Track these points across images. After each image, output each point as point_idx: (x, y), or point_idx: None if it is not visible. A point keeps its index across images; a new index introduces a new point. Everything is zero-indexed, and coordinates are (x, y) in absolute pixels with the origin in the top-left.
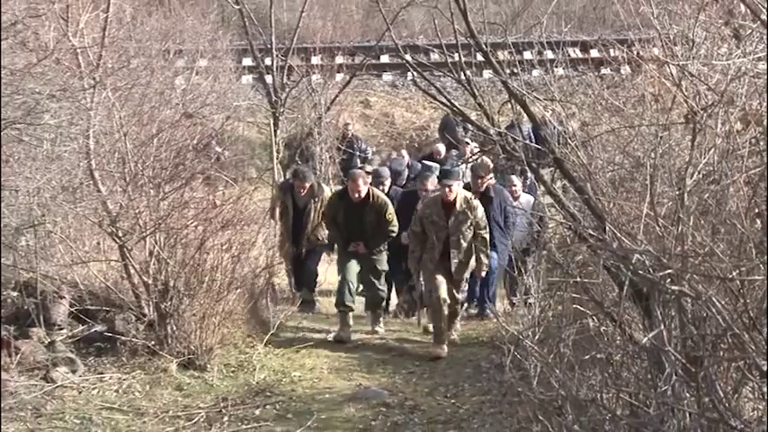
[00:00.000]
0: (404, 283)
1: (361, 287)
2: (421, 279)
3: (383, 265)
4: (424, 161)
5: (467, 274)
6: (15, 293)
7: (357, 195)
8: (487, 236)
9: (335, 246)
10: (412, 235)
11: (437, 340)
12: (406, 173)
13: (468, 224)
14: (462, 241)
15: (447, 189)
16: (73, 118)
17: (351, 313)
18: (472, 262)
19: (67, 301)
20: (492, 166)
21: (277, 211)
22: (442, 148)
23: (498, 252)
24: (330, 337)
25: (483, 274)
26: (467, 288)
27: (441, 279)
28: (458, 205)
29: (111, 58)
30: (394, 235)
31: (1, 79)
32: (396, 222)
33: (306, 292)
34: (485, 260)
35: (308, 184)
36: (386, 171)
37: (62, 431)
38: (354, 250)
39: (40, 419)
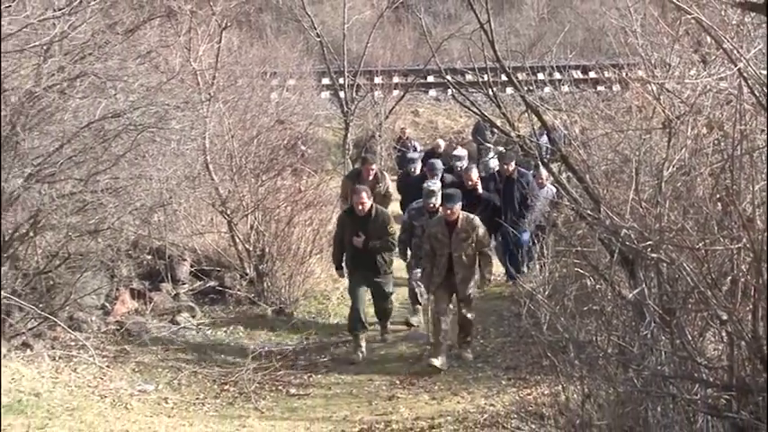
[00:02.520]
0: None
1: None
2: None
3: (389, 287)
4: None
5: (471, 290)
6: (149, 257)
7: (361, 208)
8: (491, 254)
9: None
10: (423, 254)
11: (433, 353)
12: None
13: (470, 242)
14: (464, 258)
15: (449, 211)
16: (193, 124)
17: (363, 336)
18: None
19: (189, 263)
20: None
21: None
22: (441, 143)
23: (520, 228)
24: (352, 357)
25: (486, 287)
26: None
27: (443, 297)
28: (459, 224)
29: (223, 78)
30: (393, 245)
31: (1, 82)
32: (396, 234)
33: None
34: (488, 276)
35: (374, 167)
36: (439, 163)
37: (184, 362)
38: (357, 244)
39: (167, 352)
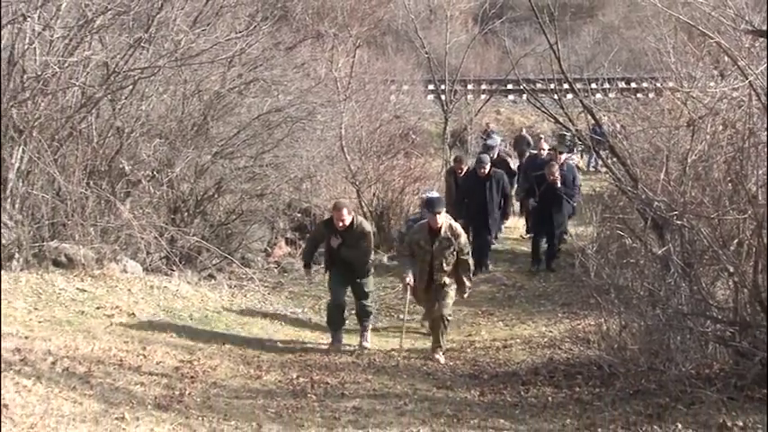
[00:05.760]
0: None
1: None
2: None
3: (370, 287)
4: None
5: (450, 295)
6: (299, 214)
7: (341, 224)
8: (471, 261)
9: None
10: (402, 257)
11: (435, 348)
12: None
13: (452, 250)
14: (445, 265)
15: (435, 216)
16: (333, 117)
17: (340, 331)
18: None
19: None
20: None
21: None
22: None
23: (565, 206)
24: (330, 348)
25: (465, 296)
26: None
27: (428, 301)
28: (442, 232)
29: (355, 84)
30: (367, 260)
31: (1, 88)
32: (371, 250)
33: None
34: (467, 283)
35: (464, 167)
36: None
37: (323, 292)
38: (333, 245)
39: (311, 285)
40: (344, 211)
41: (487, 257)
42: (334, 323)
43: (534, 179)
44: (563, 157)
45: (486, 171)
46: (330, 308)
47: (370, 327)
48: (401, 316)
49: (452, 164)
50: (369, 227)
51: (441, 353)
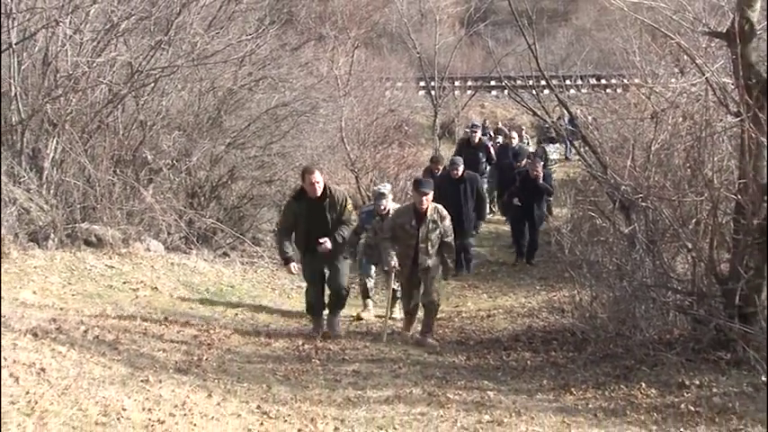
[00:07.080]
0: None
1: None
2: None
3: (346, 269)
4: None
5: (436, 279)
6: None
7: (315, 190)
8: (452, 243)
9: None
10: (382, 241)
11: (424, 332)
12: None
13: (438, 233)
14: (430, 248)
15: (423, 198)
16: (334, 111)
17: (321, 316)
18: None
19: None
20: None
21: None
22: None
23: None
24: (312, 334)
25: (448, 277)
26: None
27: (409, 287)
28: (429, 215)
29: (354, 81)
30: (355, 224)
31: (1, 91)
32: (354, 213)
33: None
34: (450, 264)
35: (440, 166)
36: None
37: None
38: (322, 251)
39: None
40: (317, 174)
41: (469, 261)
42: (314, 312)
43: (515, 177)
44: (524, 162)
45: (459, 173)
46: (309, 293)
47: (340, 317)
48: (384, 311)
49: (429, 163)
50: (345, 194)
51: (431, 337)
